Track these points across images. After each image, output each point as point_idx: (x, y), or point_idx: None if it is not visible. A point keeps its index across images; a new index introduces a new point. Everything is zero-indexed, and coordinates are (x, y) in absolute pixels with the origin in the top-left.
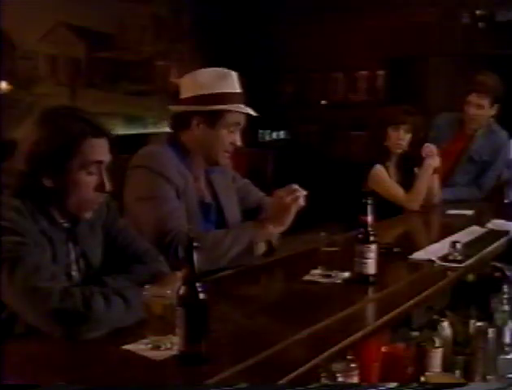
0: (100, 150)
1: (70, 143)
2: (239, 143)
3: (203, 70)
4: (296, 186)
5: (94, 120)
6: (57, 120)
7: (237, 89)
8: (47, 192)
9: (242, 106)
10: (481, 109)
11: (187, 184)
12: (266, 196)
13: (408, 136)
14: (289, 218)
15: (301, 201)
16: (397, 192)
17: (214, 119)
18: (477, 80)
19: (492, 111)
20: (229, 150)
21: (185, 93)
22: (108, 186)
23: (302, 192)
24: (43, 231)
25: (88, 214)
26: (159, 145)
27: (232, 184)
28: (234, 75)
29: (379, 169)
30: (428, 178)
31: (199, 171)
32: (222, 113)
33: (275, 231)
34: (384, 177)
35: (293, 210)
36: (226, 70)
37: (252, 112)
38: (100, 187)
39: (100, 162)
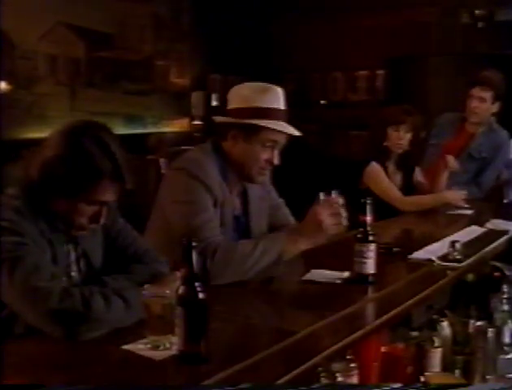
0: (110, 192)
1: (85, 178)
2: (276, 161)
3: (248, 83)
4: (337, 202)
5: (120, 161)
6: (85, 145)
7: (279, 106)
8: (48, 199)
9: (282, 123)
10: (483, 102)
11: (225, 196)
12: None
13: (408, 136)
14: (323, 239)
15: (343, 225)
16: (392, 191)
17: (249, 134)
18: (481, 74)
19: (494, 108)
20: (265, 167)
21: (229, 105)
22: (103, 220)
23: (343, 215)
24: (43, 233)
25: (78, 234)
26: (204, 152)
27: (266, 196)
28: (278, 91)
29: (374, 166)
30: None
31: (235, 184)
32: (258, 128)
33: (305, 247)
34: (378, 174)
35: (330, 233)
36: (270, 85)
37: (293, 131)
38: (94, 219)
39: (104, 202)
